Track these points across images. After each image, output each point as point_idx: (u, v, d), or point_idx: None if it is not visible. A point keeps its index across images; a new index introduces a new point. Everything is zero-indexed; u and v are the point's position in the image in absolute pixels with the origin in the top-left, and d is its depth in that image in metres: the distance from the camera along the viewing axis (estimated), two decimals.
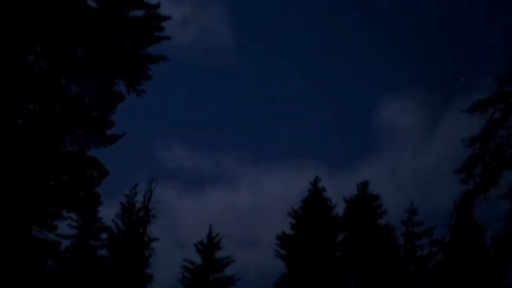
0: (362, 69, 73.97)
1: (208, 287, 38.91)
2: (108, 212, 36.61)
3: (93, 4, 20.39)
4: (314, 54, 72.97)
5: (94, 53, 20.26)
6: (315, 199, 38.66)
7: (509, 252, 20.30)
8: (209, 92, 73.80)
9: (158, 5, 20.96)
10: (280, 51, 76.14)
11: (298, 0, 70.55)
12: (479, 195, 20.45)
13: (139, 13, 21.12)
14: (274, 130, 71.19)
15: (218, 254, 39.67)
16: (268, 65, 75.85)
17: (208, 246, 39.72)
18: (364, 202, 37.78)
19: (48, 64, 19.59)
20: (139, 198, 36.60)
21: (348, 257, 36.85)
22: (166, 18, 21.14)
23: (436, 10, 72.72)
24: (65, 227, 33.89)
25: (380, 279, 36.24)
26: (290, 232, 38.28)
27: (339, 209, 38.33)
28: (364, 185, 38.40)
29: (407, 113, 68.40)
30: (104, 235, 37.45)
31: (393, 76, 73.91)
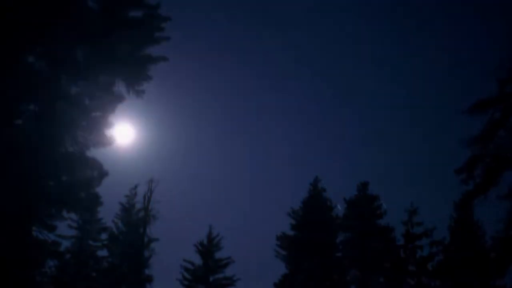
0: None
1: None
2: (108, 213, 36.72)
3: (93, 4, 20.42)
4: None
5: (93, 54, 20.27)
6: (315, 199, 38.70)
7: (509, 252, 20.27)
8: None
9: (158, 6, 20.98)
10: None
11: None
12: (479, 196, 20.44)
13: (139, 13, 21.15)
14: None
15: (218, 255, 39.74)
16: None
17: (208, 246, 39.75)
18: (364, 202, 37.82)
19: (48, 64, 19.61)
20: (139, 199, 36.68)
21: (348, 257, 36.88)
22: (166, 18, 21.15)
23: (432, 10, 72.75)
24: (65, 227, 33.99)
25: (380, 279, 36.28)
26: (290, 232, 38.33)
27: (339, 209, 38.46)
28: (364, 185, 38.45)
29: None
30: (104, 236, 37.50)
31: None
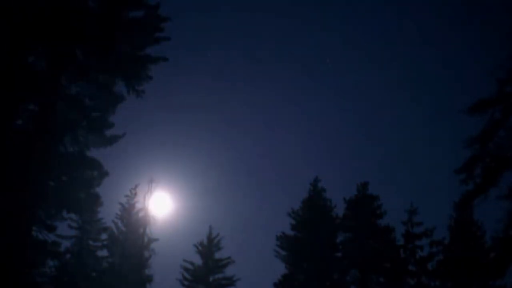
0: None
1: None
2: (108, 213, 36.75)
3: (93, 5, 20.44)
4: None
5: (93, 54, 20.29)
6: (315, 199, 38.72)
7: (509, 252, 20.28)
8: None
9: (157, 6, 21.00)
10: None
11: None
12: (479, 196, 20.45)
13: (139, 13, 21.17)
14: None
15: (218, 255, 39.77)
16: None
17: (208, 246, 39.78)
18: (364, 202, 37.82)
19: (48, 64, 19.63)
20: (139, 199, 36.69)
21: (348, 257, 36.89)
22: (166, 19, 21.18)
23: (432, 9, 72.76)
24: (65, 227, 34.03)
25: (380, 279, 36.29)
26: (290, 232, 38.34)
27: (339, 209, 38.47)
28: (363, 185, 38.44)
29: None
30: (104, 236, 37.51)
31: None
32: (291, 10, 68.85)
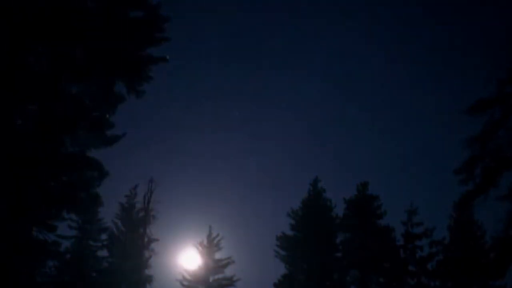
0: None
1: None
2: (108, 213, 36.81)
3: (93, 5, 20.42)
4: None
5: (94, 53, 20.28)
6: (315, 199, 38.74)
7: (509, 252, 20.29)
8: None
9: (159, 6, 20.99)
10: None
11: None
12: (479, 196, 20.47)
13: (140, 13, 21.15)
14: None
15: (218, 255, 39.80)
16: None
17: (208, 246, 39.80)
18: (364, 202, 37.83)
19: (48, 64, 19.62)
20: (139, 199, 36.74)
21: (348, 257, 36.91)
22: (167, 19, 21.17)
23: (432, 9, 72.74)
24: (65, 227, 34.07)
25: (380, 279, 36.31)
26: (290, 232, 38.37)
27: (339, 209, 38.49)
28: (363, 185, 38.45)
29: None
30: (104, 236, 37.55)
31: None
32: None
